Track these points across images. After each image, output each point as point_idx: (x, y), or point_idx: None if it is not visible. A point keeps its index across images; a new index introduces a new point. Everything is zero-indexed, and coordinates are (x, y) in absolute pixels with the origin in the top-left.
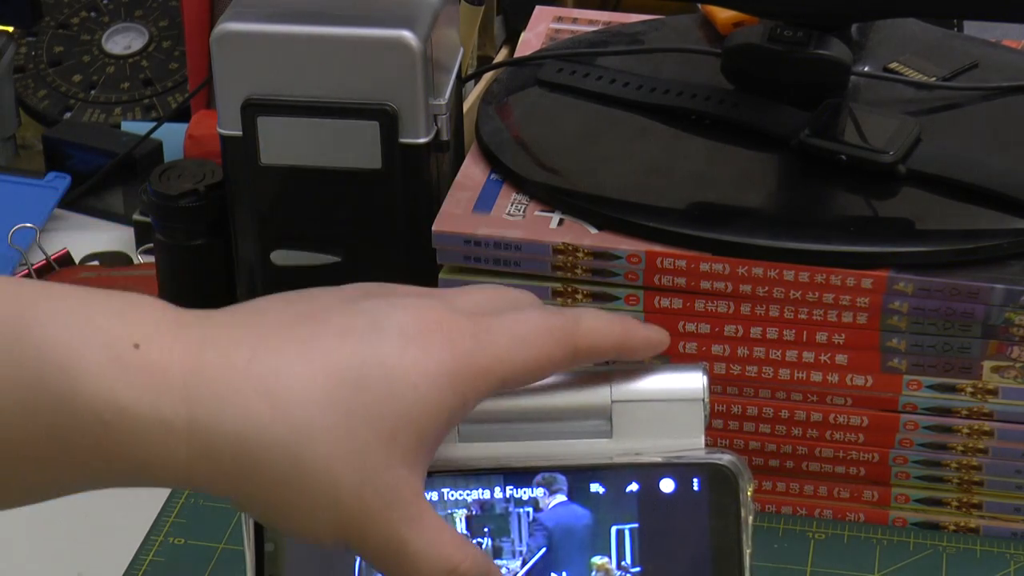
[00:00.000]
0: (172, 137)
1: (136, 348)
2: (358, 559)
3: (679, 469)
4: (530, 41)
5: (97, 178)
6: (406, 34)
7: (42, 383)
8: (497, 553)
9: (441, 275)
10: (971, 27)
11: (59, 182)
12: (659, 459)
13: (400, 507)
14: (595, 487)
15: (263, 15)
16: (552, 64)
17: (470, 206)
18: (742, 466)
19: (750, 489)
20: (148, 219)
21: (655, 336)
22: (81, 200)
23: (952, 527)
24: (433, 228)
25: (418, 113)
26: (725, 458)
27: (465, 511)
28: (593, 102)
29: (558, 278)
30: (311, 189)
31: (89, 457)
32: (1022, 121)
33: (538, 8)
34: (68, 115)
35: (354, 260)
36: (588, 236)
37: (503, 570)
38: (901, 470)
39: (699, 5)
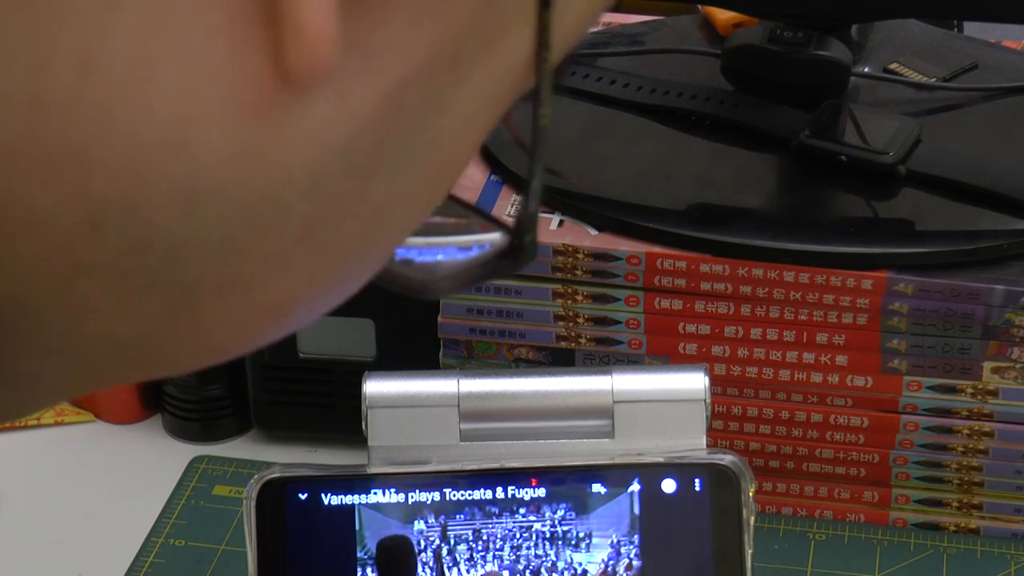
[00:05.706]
0: None
1: None
2: (358, 560)
3: (681, 469)
4: None
5: None
6: None
7: None
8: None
9: None
10: (971, 27)
11: None
12: (661, 459)
13: None
14: (597, 487)
15: None
16: None
17: None
18: (744, 467)
19: (752, 489)
20: None
21: None
22: None
23: (952, 528)
24: None
25: None
26: (727, 458)
27: (466, 511)
28: (593, 103)
29: (558, 279)
30: None
31: None
32: (1022, 121)
33: None
34: None
35: None
36: (588, 237)
37: (504, 572)
38: (901, 471)
39: (699, 6)
